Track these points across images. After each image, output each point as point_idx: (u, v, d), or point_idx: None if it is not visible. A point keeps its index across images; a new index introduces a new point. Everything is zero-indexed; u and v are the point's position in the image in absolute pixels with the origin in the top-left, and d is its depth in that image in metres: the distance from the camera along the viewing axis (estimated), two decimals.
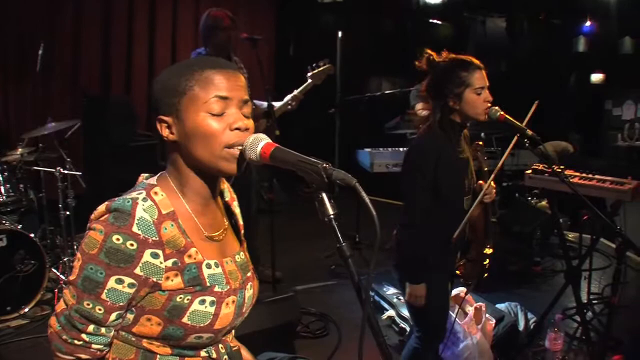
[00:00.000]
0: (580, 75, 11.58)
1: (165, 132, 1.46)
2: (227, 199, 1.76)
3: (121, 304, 1.40)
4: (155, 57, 7.76)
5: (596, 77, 11.54)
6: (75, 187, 5.11)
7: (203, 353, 1.55)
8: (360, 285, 1.33)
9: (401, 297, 4.55)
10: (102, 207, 1.43)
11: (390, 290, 4.83)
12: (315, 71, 4.52)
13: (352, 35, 7.80)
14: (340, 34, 6.62)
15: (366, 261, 5.82)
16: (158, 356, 1.49)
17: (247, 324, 1.76)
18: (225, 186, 1.77)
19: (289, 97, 4.54)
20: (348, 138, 6.89)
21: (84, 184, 5.24)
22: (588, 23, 10.69)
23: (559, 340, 3.97)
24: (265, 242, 4.66)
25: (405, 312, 4.32)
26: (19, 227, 4.58)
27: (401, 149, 6.42)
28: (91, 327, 1.42)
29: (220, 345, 1.61)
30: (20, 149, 4.96)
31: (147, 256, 1.37)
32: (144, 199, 1.41)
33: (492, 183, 2.96)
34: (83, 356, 1.45)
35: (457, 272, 3.19)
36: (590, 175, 4.08)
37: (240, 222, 1.80)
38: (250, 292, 1.65)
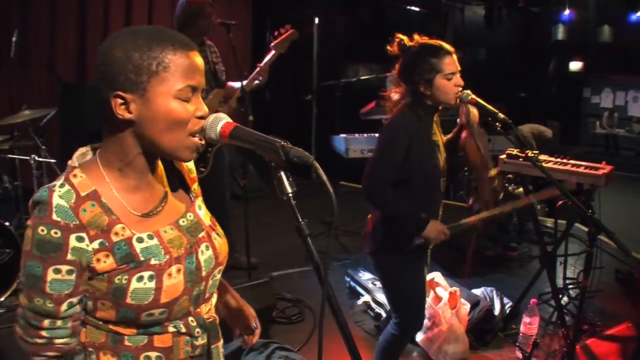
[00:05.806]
0: (559, 63, 11.67)
1: (120, 110, 1.34)
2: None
3: (66, 292, 1.36)
4: None
5: (575, 65, 11.64)
6: (51, 175, 5.05)
7: (171, 328, 1.48)
8: (319, 265, 1.33)
9: (377, 282, 4.56)
10: (30, 202, 1.39)
11: (366, 276, 4.83)
12: (278, 40, 4.37)
13: (329, 22, 7.79)
14: (317, 20, 6.60)
15: (343, 247, 5.84)
16: (126, 337, 1.46)
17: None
18: None
19: (255, 72, 4.43)
20: (324, 124, 6.87)
21: (59, 172, 5.19)
22: (567, 11, 10.75)
23: (534, 325, 4.00)
24: (240, 228, 4.64)
25: (381, 298, 4.34)
26: None
27: (376, 135, 6.43)
28: (46, 322, 1.39)
29: (190, 319, 1.53)
30: None
31: (73, 241, 1.34)
32: (61, 185, 1.37)
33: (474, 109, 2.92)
34: (50, 354, 1.42)
35: (470, 201, 3.17)
36: (565, 160, 4.11)
37: (190, 176, 1.68)
38: (208, 253, 1.55)
